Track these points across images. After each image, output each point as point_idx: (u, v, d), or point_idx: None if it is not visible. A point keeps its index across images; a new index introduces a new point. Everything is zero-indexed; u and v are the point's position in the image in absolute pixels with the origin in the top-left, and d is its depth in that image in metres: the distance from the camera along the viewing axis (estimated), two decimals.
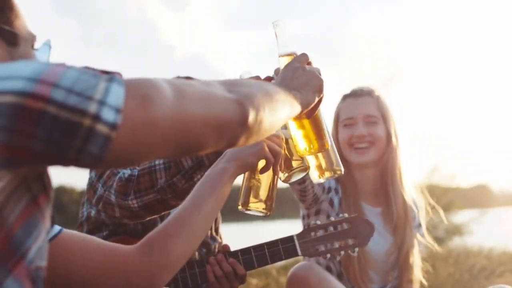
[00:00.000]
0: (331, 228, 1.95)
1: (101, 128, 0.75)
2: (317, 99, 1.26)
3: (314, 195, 2.29)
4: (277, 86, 1.14)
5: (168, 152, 0.85)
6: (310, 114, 1.30)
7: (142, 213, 1.81)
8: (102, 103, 0.75)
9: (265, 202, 1.49)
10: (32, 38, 1.12)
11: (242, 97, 0.93)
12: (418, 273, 2.42)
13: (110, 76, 0.79)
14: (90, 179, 1.96)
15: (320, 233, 1.95)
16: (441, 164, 11.71)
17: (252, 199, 1.49)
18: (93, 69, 0.80)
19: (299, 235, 1.96)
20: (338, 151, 2.32)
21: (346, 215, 1.97)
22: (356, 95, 2.45)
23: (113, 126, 0.75)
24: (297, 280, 2.09)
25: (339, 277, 2.33)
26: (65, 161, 0.77)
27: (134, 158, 0.81)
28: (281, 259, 1.98)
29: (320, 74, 1.28)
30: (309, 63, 1.30)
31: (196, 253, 2.11)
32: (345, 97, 2.48)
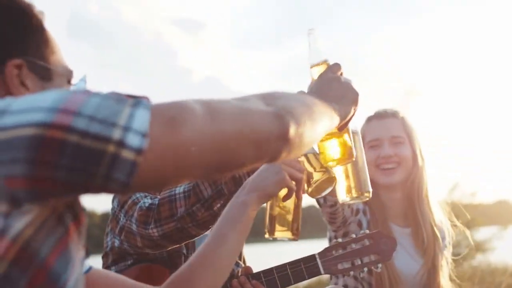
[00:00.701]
0: (353, 245, 1.94)
1: (126, 154, 0.74)
2: (353, 112, 1.22)
3: (343, 218, 2.27)
4: (315, 98, 1.10)
5: (203, 172, 0.83)
6: (343, 127, 1.27)
7: (163, 242, 1.81)
8: (126, 128, 0.74)
9: (291, 229, 1.50)
10: (68, 74, 1.12)
11: (280, 109, 0.90)
12: None
13: (136, 100, 0.77)
14: (113, 209, 1.98)
15: (342, 250, 1.94)
16: (462, 180, 11.61)
17: (278, 227, 1.49)
18: (119, 94, 0.78)
19: (321, 254, 1.95)
20: None
21: (367, 231, 1.96)
22: (381, 116, 2.45)
23: (139, 151, 0.74)
24: None
25: None
26: (91, 189, 0.76)
27: (164, 182, 0.80)
28: (304, 279, 1.97)
29: (354, 86, 1.24)
30: (341, 74, 1.27)
31: None
32: (370, 119, 2.48)
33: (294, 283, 1.99)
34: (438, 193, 2.54)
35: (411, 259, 2.36)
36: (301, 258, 1.96)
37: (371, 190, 1.52)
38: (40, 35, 1.09)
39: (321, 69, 1.32)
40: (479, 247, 11.72)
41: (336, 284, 2.32)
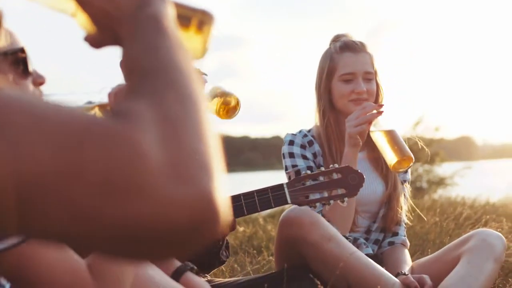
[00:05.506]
0: (321, 178, 1.95)
1: None
2: None
3: None
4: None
5: None
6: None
7: None
8: None
9: None
10: None
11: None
12: (404, 217, 2.54)
13: None
14: None
15: (310, 182, 1.95)
16: (426, 116, 11.86)
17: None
18: None
19: (289, 184, 1.96)
20: (333, 103, 2.53)
21: (336, 165, 1.97)
22: (356, 50, 2.51)
23: None
24: (289, 221, 2.11)
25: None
26: None
27: None
28: (270, 207, 1.99)
29: None
30: None
31: None
32: (343, 49, 2.51)
33: (261, 211, 2.01)
34: (402, 127, 2.67)
35: (368, 179, 2.42)
36: (269, 187, 1.98)
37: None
38: None
39: None
40: (441, 182, 12.11)
41: None
